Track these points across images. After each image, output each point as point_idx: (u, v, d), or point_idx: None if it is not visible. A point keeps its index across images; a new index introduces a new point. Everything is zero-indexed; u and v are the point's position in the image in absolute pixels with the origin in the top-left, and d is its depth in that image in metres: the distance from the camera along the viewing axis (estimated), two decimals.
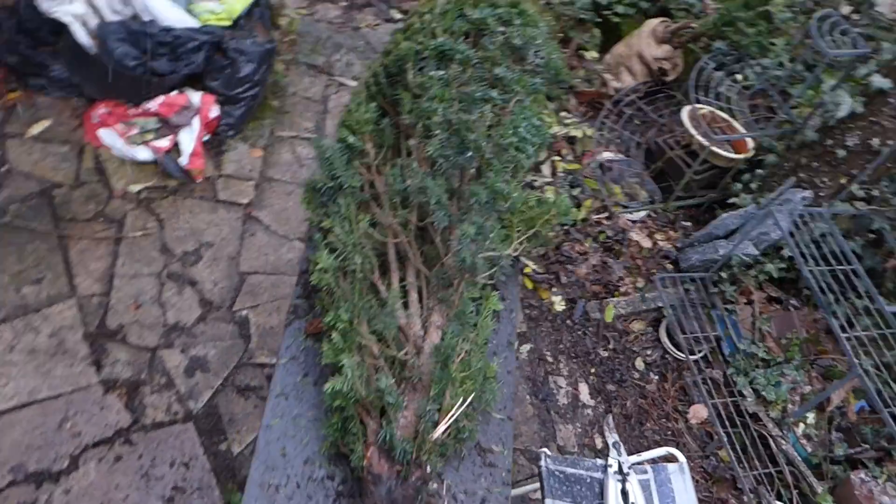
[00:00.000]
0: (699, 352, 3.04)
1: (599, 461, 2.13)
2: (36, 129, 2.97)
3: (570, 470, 2.11)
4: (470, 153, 1.35)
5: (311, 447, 1.42)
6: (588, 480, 2.10)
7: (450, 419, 1.36)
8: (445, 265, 1.41)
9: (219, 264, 2.84)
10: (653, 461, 2.19)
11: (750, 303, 3.12)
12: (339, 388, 1.28)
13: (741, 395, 2.89)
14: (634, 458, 2.22)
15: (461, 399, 1.38)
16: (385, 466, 1.29)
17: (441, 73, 1.41)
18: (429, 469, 1.32)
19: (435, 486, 1.43)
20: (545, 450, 2.12)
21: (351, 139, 1.44)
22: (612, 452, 2.12)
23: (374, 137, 1.47)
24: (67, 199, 2.81)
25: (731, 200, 3.32)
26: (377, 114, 1.47)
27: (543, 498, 2.01)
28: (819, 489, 2.65)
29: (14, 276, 2.55)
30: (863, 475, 2.63)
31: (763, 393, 2.86)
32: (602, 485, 2.08)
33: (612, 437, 2.17)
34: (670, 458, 2.20)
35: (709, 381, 2.95)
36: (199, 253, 2.85)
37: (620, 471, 2.09)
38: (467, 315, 1.52)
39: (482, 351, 1.55)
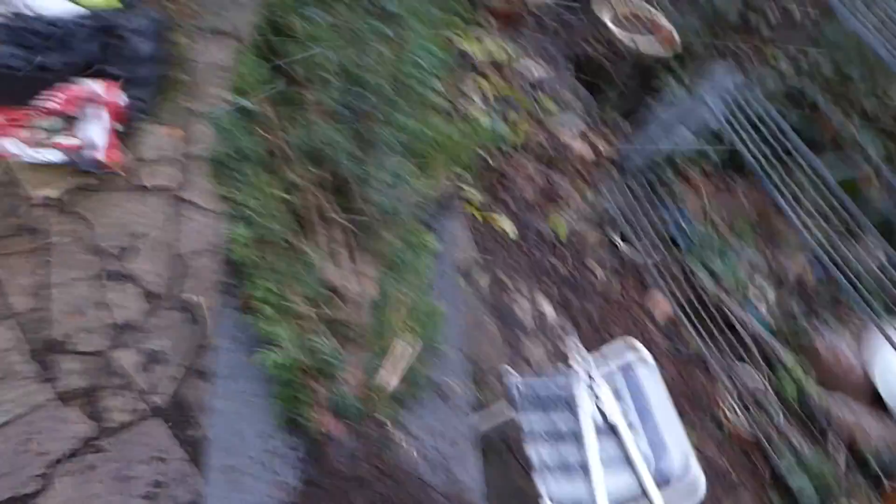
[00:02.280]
0: (653, 248, 3.06)
1: (566, 371, 2.14)
2: None
3: (537, 384, 2.12)
4: (371, 96, 1.28)
5: (265, 422, 1.39)
6: (557, 391, 2.10)
7: (401, 369, 1.33)
8: (368, 216, 1.35)
9: (158, 254, 2.74)
10: (621, 367, 2.21)
11: (697, 191, 3.13)
12: (279, 361, 1.24)
13: (700, 281, 2.92)
14: (600, 361, 2.24)
15: (409, 347, 1.35)
16: (339, 427, 1.26)
17: (327, 17, 1.33)
18: (386, 421, 1.29)
19: (400, 434, 1.41)
20: (508, 367, 2.13)
21: (246, 104, 1.36)
22: (577, 360, 2.12)
23: (271, 98, 1.39)
24: None
25: (663, 92, 3.28)
26: (269, 72, 1.38)
27: (515, 414, 2.02)
28: (783, 353, 2.71)
29: None
30: (823, 331, 2.71)
31: (719, 275, 2.89)
32: (572, 394, 2.09)
33: (573, 346, 2.17)
34: (635, 353, 2.21)
35: (666, 274, 2.97)
36: (135, 247, 2.75)
37: (588, 377, 2.10)
38: (404, 262, 1.48)
39: (425, 294, 1.52)
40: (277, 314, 1.29)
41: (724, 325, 2.85)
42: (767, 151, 2.79)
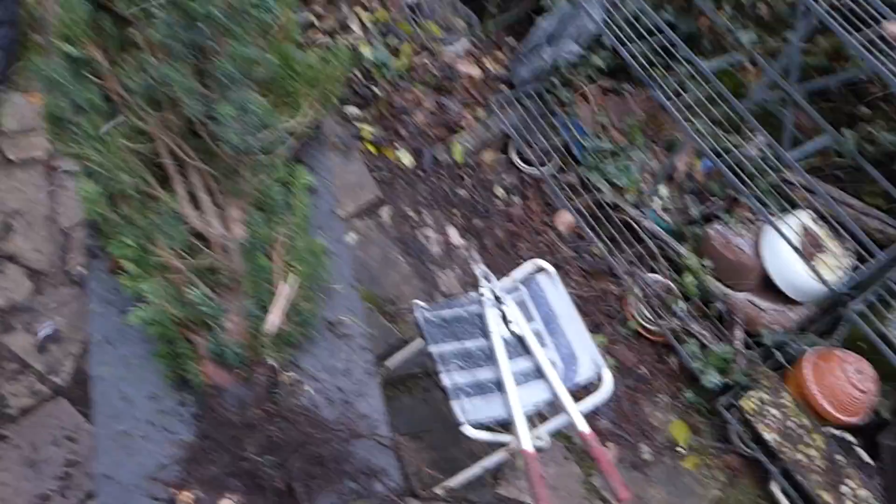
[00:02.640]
0: (551, 162, 3.08)
1: (473, 295, 2.16)
2: None
3: (446, 312, 2.14)
4: (203, 26, 1.20)
5: (152, 383, 1.35)
6: (467, 316, 2.13)
7: (280, 308, 1.31)
8: (224, 157, 1.29)
9: (36, 230, 2.59)
10: (527, 284, 2.24)
11: (586, 100, 3.15)
12: (147, 317, 1.19)
13: (598, 190, 2.98)
14: (506, 282, 2.27)
15: (289, 286, 1.32)
16: (224, 376, 1.24)
17: None
18: (272, 362, 1.27)
19: (293, 374, 1.39)
20: (417, 301, 2.13)
21: (71, 50, 1.25)
22: (483, 283, 2.15)
23: (98, 40, 1.29)
24: None
25: (545, 3, 3.25)
26: (90, 11, 1.27)
27: (427, 345, 2.04)
28: (683, 251, 2.82)
29: None
30: (717, 226, 2.81)
31: (616, 181, 2.95)
32: (481, 316, 2.12)
33: (479, 269, 2.20)
34: (540, 270, 2.26)
35: (566, 187, 3.02)
36: (9, 225, 2.58)
37: (495, 298, 2.13)
38: (273, 200, 1.43)
39: (304, 230, 1.48)
40: (141, 270, 1.23)
41: (625, 230, 2.93)
42: (647, 51, 2.81)
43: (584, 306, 2.86)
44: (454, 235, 2.94)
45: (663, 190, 2.96)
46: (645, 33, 2.81)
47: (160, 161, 1.32)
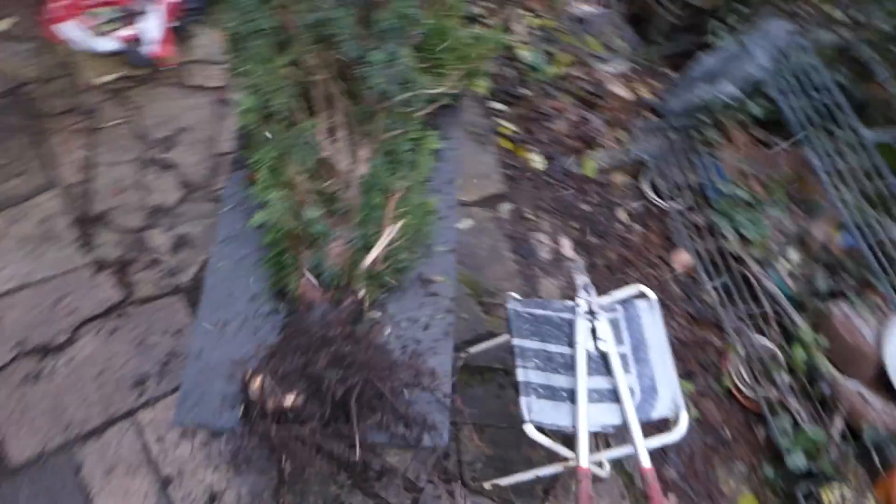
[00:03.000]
0: (682, 198, 3.04)
1: (569, 303, 2.18)
2: (2, 25, 2.96)
3: (538, 311, 2.17)
4: None
5: (256, 285, 1.50)
6: (557, 321, 2.15)
7: (381, 248, 1.41)
8: (367, 100, 1.41)
9: (196, 147, 2.88)
10: (625, 308, 2.24)
11: (734, 147, 3.07)
12: (266, 219, 1.33)
13: (724, 237, 2.91)
14: (605, 299, 2.27)
15: (394, 229, 1.42)
16: (317, 293, 1.36)
17: None
18: (362, 295, 1.38)
19: (378, 314, 1.50)
20: (512, 293, 2.18)
21: None
22: (582, 294, 2.16)
23: None
24: (38, 96, 2.84)
25: (712, 40, 3.21)
26: None
27: (511, 338, 2.09)
28: (799, 322, 2.70)
29: None
30: (843, 305, 2.67)
31: (744, 233, 2.86)
32: (571, 325, 2.14)
33: (580, 279, 2.21)
34: (642, 296, 2.24)
35: (691, 226, 2.96)
36: (177, 138, 2.89)
37: (590, 311, 2.14)
38: (401, 153, 1.55)
39: (421, 188, 1.59)
40: (272, 179, 1.38)
41: (742, 284, 2.83)
42: (810, 109, 2.72)
43: (681, 350, 2.80)
44: (567, 246, 2.97)
45: (793, 254, 2.84)
46: (810, 90, 2.72)
47: (311, 94, 1.47)
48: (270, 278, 1.48)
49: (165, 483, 2.22)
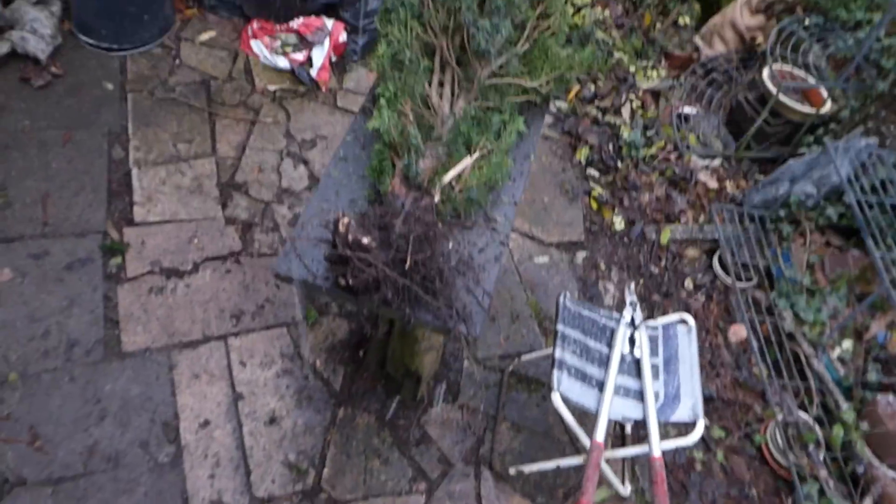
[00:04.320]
0: (748, 279, 3.23)
1: (615, 313, 2.44)
2: (204, 36, 3.71)
3: (586, 311, 2.43)
4: None
5: (357, 192, 1.89)
6: (601, 324, 2.41)
7: (459, 169, 1.78)
8: (469, 62, 1.84)
9: (329, 152, 3.41)
10: (665, 327, 2.46)
11: (805, 243, 3.27)
12: (377, 126, 1.75)
13: (781, 317, 3.06)
14: (649, 321, 2.51)
15: (472, 158, 1.80)
16: (403, 189, 1.73)
17: None
18: (437, 198, 1.74)
19: (445, 230, 1.84)
20: (567, 292, 2.46)
21: None
22: (628, 308, 2.42)
23: None
24: (220, 89, 3.51)
25: (802, 151, 3.49)
26: None
27: (555, 324, 2.35)
28: (844, 405, 2.77)
29: (172, 135, 3.25)
30: (890, 397, 2.74)
31: (802, 315, 3.01)
32: (613, 331, 2.38)
33: (630, 296, 2.47)
34: (682, 322, 2.46)
35: (752, 303, 3.14)
36: (315, 142, 3.44)
37: (633, 323, 2.39)
38: (489, 122, 1.94)
39: (502, 153, 1.96)
40: (388, 105, 1.80)
41: (792, 361, 2.95)
42: (882, 220, 2.91)
43: (721, 407, 2.92)
44: (630, 289, 3.20)
45: (847, 343, 2.95)
46: (886, 200, 2.92)
47: (432, 52, 1.91)
48: (368, 189, 1.88)
49: (237, 398, 2.56)
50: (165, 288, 2.78)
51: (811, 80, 3.52)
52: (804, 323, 3.01)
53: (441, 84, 1.86)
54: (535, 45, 2.04)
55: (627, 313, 2.40)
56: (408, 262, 1.50)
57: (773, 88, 3.45)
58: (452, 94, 1.87)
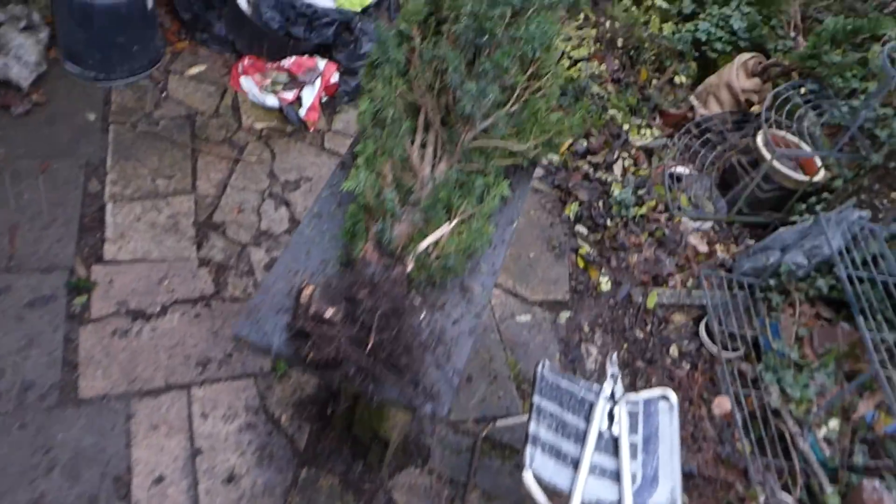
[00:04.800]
0: (735, 350, 3.14)
1: (595, 385, 2.34)
2: (193, 70, 3.65)
3: (564, 383, 2.34)
4: (486, 37, 1.73)
5: (329, 252, 1.80)
6: (580, 396, 2.31)
7: (436, 237, 1.70)
8: (456, 124, 1.77)
9: (313, 194, 3.33)
10: (646, 402, 2.37)
11: (794, 313, 3.19)
12: (352, 187, 1.67)
13: (767, 391, 2.97)
14: (630, 394, 2.41)
15: (450, 226, 1.71)
16: (375, 256, 1.64)
17: None
18: (410, 267, 1.65)
19: (418, 299, 1.75)
20: (546, 360, 2.37)
21: (402, 26, 1.86)
22: (609, 381, 2.32)
23: (422, 28, 1.88)
24: (205, 124, 3.43)
25: (793, 219, 3.43)
26: (427, 10, 1.88)
27: (532, 395, 2.25)
28: (828, 488, 2.67)
29: (152, 170, 3.16)
30: (876, 483, 2.63)
31: (788, 391, 2.92)
32: (592, 405, 2.28)
33: (611, 368, 2.38)
34: (664, 398, 2.37)
35: (737, 375, 3.05)
36: (299, 183, 3.36)
37: (612, 397, 2.29)
38: (472, 184, 1.86)
39: (484, 218, 1.88)
40: (367, 165, 1.72)
41: (776, 439, 2.86)
42: (871, 294, 2.85)
43: (701, 484, 2.81)
44: (613, 357, 3.11)
45: (834, 423, 2.85)
46: (876, 275, 2.86)
47: (416, 111, 1.84)
48: (341, 250, 1.79)
49: (196, 453, 2.44)
50: (130, 331, 2.67)
51: (805, 148, 3.48)
52: (791, 400, 2.91)
53: (423, 145, 1.79)
54: (525, 107, 1.97)
55: (608, 386, 2.31)
56: (371, 342, 1.40)
57: (767, 154, 3.41)
58: (435, 155, 1.79)
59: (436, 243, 1.72)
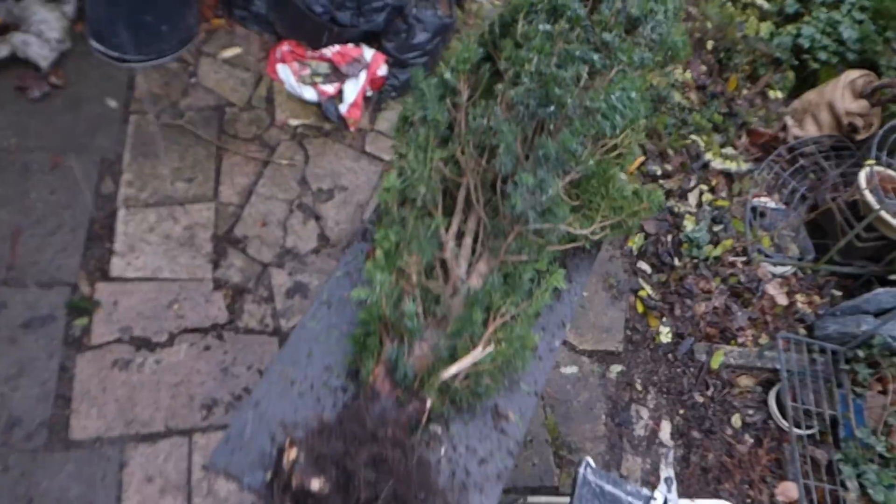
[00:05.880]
0: (808, 427, 2.74)
1: (645, 491, 2.00)
2: (227, 53, 3.31)
3: (609, 487, 2.00)
4: (552, 108, 1.34)
5: (334, 356, 1.47)
6: (623, 500, 1.98)
7: (464, 366, 1.35)
8: (501, 214, 1.40)
9: (346, 207, 3.00)
10: None
11: (885, 392, 2.76)
12: (364, 297, 1.32)
13: (843, 486, 2.58)
14: (684, 501, 2.06)
15: (481, 349, 1.36)
16: (386, 386, 1.31)
17: (548, 27, 1.41)
18: (429, 405, 1.32)
19: (438, 429, 1.42)
20: (589, 458, 2.03)
21: (447, 75, 1.48)
22: (662, 487, 1.98)
23: (471, 79, 1.50)
24: (235, 118, 3.11)
25: (894, 278, 2.96)
26: (480, 57, 1.50)
27: (571, 501, 1.93)
28: None
29: (172, 171, 2.87)
30: None
31: (870, 491, 2.52)
32: None
33: (666, 472, 2.05)
34: None
35: (809, 462, 2.65)
36: (332, 193, 3.03)
37: None
38: (521, 280, 1.50)
39: (529, 321, 1.52)
40: (386, 261, 1.37)
41: None
42: None
43: None
44: (665, 430, 2.75)
45: None
46: None
47: (453, 193, 1.47)
48: (349, 355, 1.46)
49: None
50: (132, 362, 2.42)
51: None
52: (872, 501, 2.52)
53: (460, 234, 1.42)
54: (597, 175, 1.59)
55: (660, 495, 1.97)
56: None
57: (871, 200, 2.92)
58: (473, 251, 1.43)
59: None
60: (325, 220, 2.95)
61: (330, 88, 3.20)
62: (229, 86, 3.21)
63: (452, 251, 1.39)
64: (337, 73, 3.24)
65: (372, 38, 3.31)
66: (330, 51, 3.22)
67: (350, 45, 3.25)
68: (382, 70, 3.31)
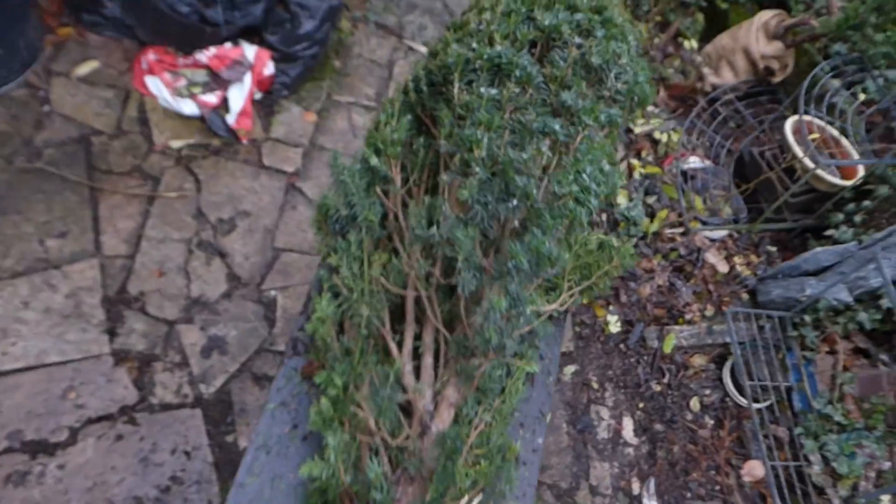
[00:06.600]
0: (765, 401, 2.71)
1: None
2: (83, 69, 2.80)
3: None
4: (515, 202, 1.08)
5: None
6: None
7: None
8: (469, 336, 1.15)
9: (253, 236, 2.66)
10: None
11: (833, 353, 2.75)
12: (317, 473, 1.06)
13: (807, 460, 2.57)
14: None
15: (467, 499, 1.14)
16: None
17: (493, 91, 1.13)
18: None
19: None
20: None
21: (374, 161, 1.18)
22: None
23: (405, 160, 1.21)
24: (105, 149, 2.66)
25: (829, 233, 2.92)
26: (410, 131, 1.20)
27: None
28: None
29: (39, 227, 2.43)
30: None
31: (834, 463, 2.52)
32: None
33: (650, 501, 1.92)
34: None
35: (771, 438, 2.62)
36: (234, 222, 2.67)
37: None
38: (493, 383, 1.27)
39: (505, 422, 1.30)
40: (334, 411, 1.11)
41: None
42: None
43: None
44: (628, 429, 2.65)
45: (885, 500, 2.48)
46: None
47: (400, 304, 1.21)
48: None
49: None
50: (30, 474, 2.06)
51: (833, 131, 2.93)
52: (836, 473, 2.52)
53: (417, 359, 1.17)
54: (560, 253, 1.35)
55: None
56: None
57: (808, 163, 2.82)
58: (436, 374, 1.18)
59: None
60: (231, 256, 2.59)
61: (212, 98, 2.78)
62: (92, 109, 2.73)
63: (416, 389, 1.13)
64: (217, 80, 2.81)
65: (252, 34, 2.88)
66: (205, 55, 2.78)
67: (228, 46, 2.81)
68: (269, 68, 2.91)
